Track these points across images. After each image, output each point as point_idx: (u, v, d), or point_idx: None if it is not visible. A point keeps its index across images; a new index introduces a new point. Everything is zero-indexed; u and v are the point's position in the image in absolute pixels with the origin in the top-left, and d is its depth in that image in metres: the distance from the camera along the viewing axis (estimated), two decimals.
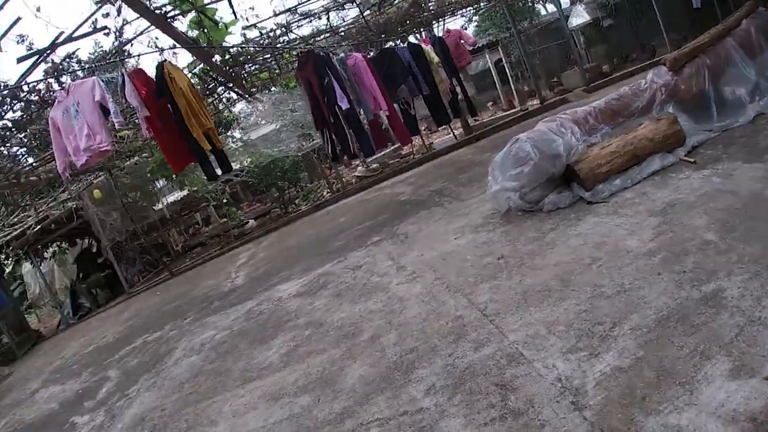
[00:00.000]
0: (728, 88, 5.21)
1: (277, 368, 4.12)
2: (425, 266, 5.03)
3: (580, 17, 15.62)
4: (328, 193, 13.90)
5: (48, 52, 5.91)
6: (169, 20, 6.31)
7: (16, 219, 12.79)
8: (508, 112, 14.69)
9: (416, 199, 8.51)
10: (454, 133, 13.72)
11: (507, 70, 15.62)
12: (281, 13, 9.07)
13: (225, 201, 15.34)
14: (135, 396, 4.79)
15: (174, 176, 13.21)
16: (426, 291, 4.43)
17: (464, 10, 14.45)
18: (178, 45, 7.24)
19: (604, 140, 5.10)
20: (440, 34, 11.40)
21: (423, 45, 9.64)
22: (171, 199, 16.28)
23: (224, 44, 7.77)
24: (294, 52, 9.73)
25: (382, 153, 14.05)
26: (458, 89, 10.18)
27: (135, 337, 7.09)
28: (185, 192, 15.77)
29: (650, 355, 2.51)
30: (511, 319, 3.38)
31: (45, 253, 13.98)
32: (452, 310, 3.86)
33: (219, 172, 7.29)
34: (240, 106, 18.06)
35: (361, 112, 8.83)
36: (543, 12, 21.78)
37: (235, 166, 13.90)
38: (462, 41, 11.09)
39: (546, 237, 4.43)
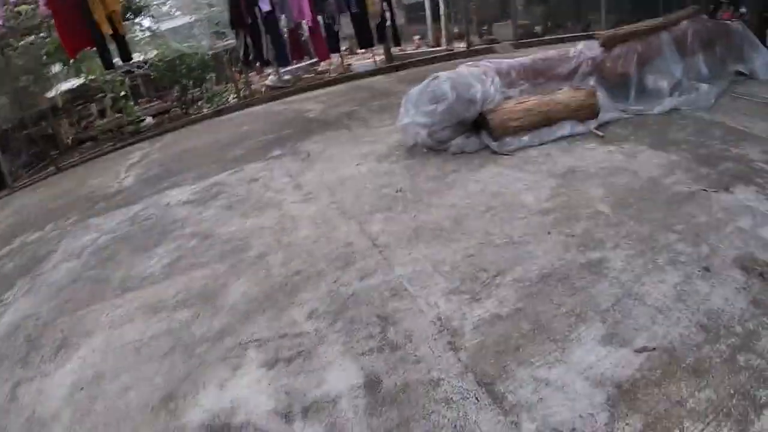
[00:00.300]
0: (652, 77, 5.38)
1: (157, 279, 3.88)
2: (323, 188, 4.90)
3: None
4: (234, 98, 13.12)
5: None
6: None
7: None
8: (433, 49, 14.45)
9: (325, 119, 8.23)
10: (375, 59, 13.31)
11: (440, 7, 15.26)
12: None
13: (123, 94, 13.99)
14: (10, 302, 4.34)
15: (71, 61, 11.78)
16: (320, 213, 4.32)
17: None
18: None
19: (521, 96, 5.11)
20: None
21: None
22: (66, 86, 14.60)
23: None
24: None
25: (297, 66, 13.36)
26: (388, 14, 9.79)
27: (13, 236, 6.41)
28: (81, 80, 14.18)
29: (529, 308, 2.59)
30: (400, 252, 3.38)
31: None
32: (343, 236, 3.80)
33: (118, 61, 6.60)
34: None
35: (283, 19, 8.26)
36: None
37: (139, 57, 12.75)
38: None
39: (447, 178, 4.44)
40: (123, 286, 3.93)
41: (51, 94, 13.54)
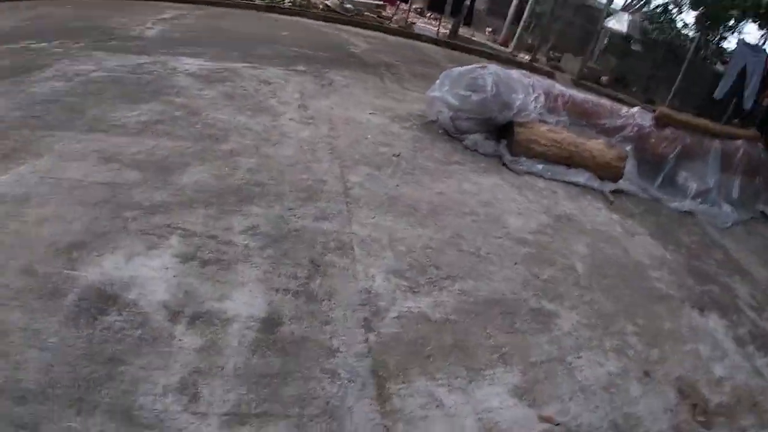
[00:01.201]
0: (685, 173, 5.20)
1: (127, 132, 3.67)
2: (326, 119, 4.66)
3: (619, 23, 15.04)
4: (289, 2, 12.66)
5: None
6: None
7: None
8: (497, 47, 14.06)
9: (364, 59, 7.91)
10: (439, 29, 12.91)
11: (524, 14, 14.83)
12: None
13: None
14: None
15: None
16: (311, 140, 4.10)
17: None
18: None
19: (556, 126, 4.89)
20: None
21: None
22: None
23: None
24: None
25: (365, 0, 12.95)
26: None
27: (20, 39, 6.13)
28: None
29: (460, 324, 2.43)
30: (366, 212, 3.20)
31: None
32: (321, 172, 3.60)
33: None
34: None
35: None
36: None
37: None
38: None
39: (448, 166, 4.23)
40: (92, 125, 3.72)
41: None
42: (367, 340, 2.18)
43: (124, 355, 1.90)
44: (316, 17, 11.85)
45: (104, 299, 2.13)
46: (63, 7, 8.69)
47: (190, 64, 5.70)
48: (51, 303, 2.07)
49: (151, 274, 2.33)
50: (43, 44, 5.86)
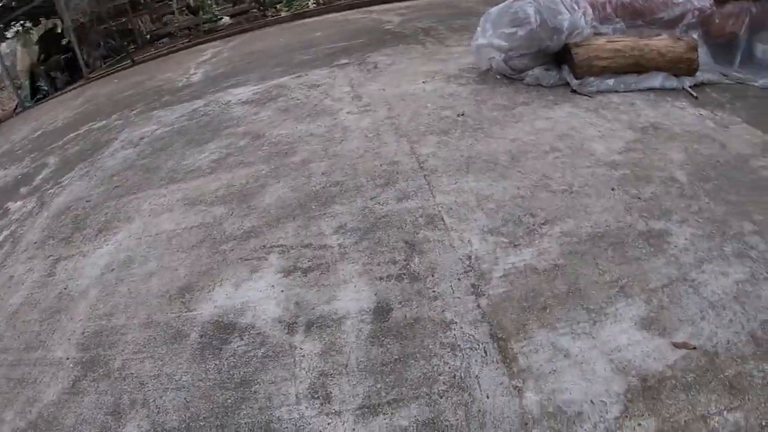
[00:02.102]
0: (762, 46, 4.61)
1: (203, 173, 3.91)
2: (382, 102, 4.63)
3: None
4: (313, 4, 12.69)
5: None
6: None
7: None
8: None
9: (401, 32, 7.78)
10: None
11: None
12: None
13: None
14: (67, 185, 4.58)
15: None
16: (373, 127, 4.10)
17: None
18: None
19: (614, 35, 4.55)
20: None
21: None
22: None
23: None
24: None
25: None
26: None
27: (82, 124, 6.69)
28: None
29: (569, 267, 2.34)
30: (446, 180, 3.14)
31: (7, 33, 12.61)
32: (391, 154, 3.59)
33: None
34: None
35: None
36: None
37: None
38: None
39: (515, 109, 4.06)
40: (170, 177, 3.99)
41: None
42: (478, 306, 2.15)
43: (253, 375, 2.02)
44: (343, 8, 11.81)
45: (223, 329, 2.28)
46: (107, 84, 9.28)
47: (240, 92, 5.93)
48: (176, 346, 2.24)
49: (259, 295, 2.47)
50: (104, 121, 6.34)
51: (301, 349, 2.10)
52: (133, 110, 6.47)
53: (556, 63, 4.55)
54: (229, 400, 1.93)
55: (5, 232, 4.03)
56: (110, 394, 2.11)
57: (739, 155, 3.22)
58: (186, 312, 2.46)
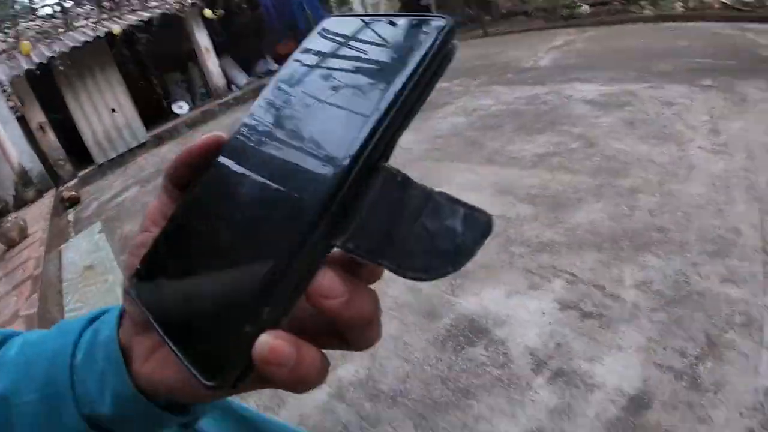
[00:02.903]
0: None
1: (523, 165, 3.85)
2: (743, 145, 3.83)
3: None
4: (681, 7, 11.26)
5: None
6: None
7: None
8: None
9: None
10: None
11: None
12: None
13: None
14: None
15: None
16: (724, 175, 3.44)
17: None
18: None
19: None
20: None
21: None
22: None
23: None
24: None
25: None
26: None
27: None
28: None
29: None
30: None
31: None
32: (734, 218, 2.95)
33: None
34: None
35: None
36: None
37: None
38: None
39: None
40: (490, 157, 4.03)
41: None
42: None
43: (476, 390, 1.93)
44: (716, 17, 10.22)
45: (475, 331, 2.21)
46: (464, 48, 9.71)
47: (585, 90, 5.60)
48: (426, 322, 2.26)
49: (526, 316, 2.31)
50: (445, 84, 6.60)
51: (536, 393, 1.91)
52: (474, 80, 6.67)
53: None
54: (443, 399, 1.88)
55: None
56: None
57: None
58: (450, 295, 2.45)
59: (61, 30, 10.38)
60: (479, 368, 2.03)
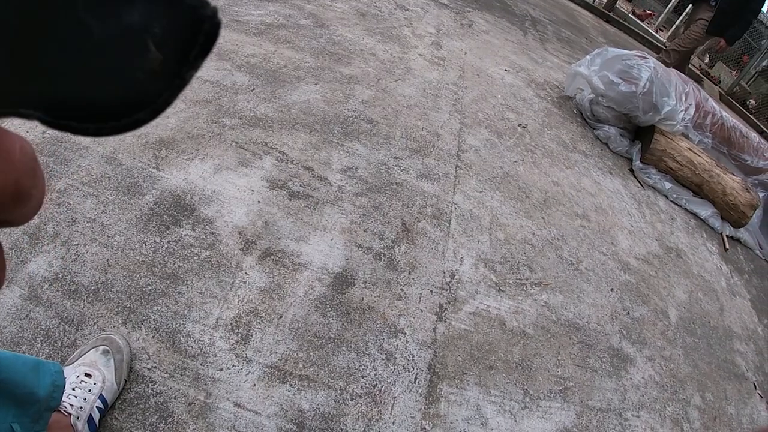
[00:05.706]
0: None
1: (248, 31, 3.43)
2: (458, 64, 4.33)
3: None
4: None
5: None
6: None
7: None
8: (652, 32, 12.66)
9: (510, 7, 7.29)
10: None
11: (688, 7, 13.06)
12: None
13: None
14: None
15: None
16: (435, 85, 3.81)
17: None
18: None
19: (696, 144, 4.29)
20: None
21: None
22: None
23: None
24: None
25: None
26: None
27: None
28: None
29: (534, 341, 2.21)
30: (474, 183, 2.94)
31: None
32: (438, 124, 3.34)
33: None
34: None
35: None
36: None
37: None
38: None
39: (572, 153, 3.84)
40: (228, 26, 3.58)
41: None
42: (434, 330, 2.00)
43: (185, 275, 1.80)
44: None
45: (181, 209, 2.03)
46: None
47: None
48: (126, 199, 1.98)
49: (235, 193, 2.21)
50: None
51: (246, 273, 1.89)
52: None
53: (632, 134, 4.31)
54: (150, 287, 1.71)
55: None
56: (39, 215, 1.84)
57: (728, 330, 3.11)
58: (154, 169, 2.17)
59: None
60: (186, 250, 1.87)
